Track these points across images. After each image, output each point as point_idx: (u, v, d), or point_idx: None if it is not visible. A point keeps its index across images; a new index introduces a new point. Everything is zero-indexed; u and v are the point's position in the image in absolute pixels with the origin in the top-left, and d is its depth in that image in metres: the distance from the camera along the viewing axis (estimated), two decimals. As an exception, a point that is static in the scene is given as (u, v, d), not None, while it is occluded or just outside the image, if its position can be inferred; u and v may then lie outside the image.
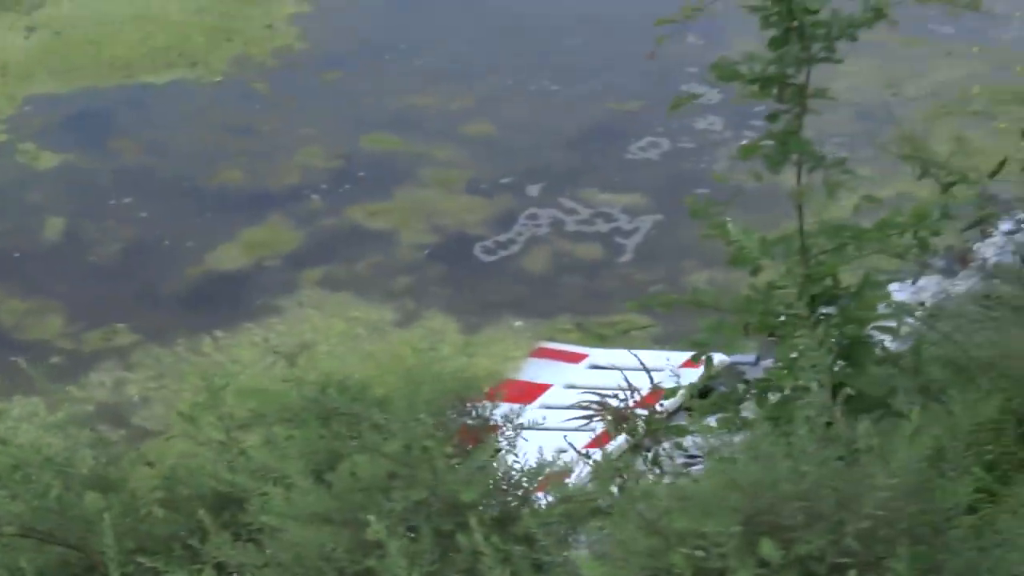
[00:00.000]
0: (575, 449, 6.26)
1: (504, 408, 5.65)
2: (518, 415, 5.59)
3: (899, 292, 12.49)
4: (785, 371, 5.90)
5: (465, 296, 13.74)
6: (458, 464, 4.44)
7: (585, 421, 7.39)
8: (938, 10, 18.19)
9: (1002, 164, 10.48)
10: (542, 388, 12.10)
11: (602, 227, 14.27)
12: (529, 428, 5.51)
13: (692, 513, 3.48)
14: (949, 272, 12.58)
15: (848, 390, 5.91)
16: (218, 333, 13.38)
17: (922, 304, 11.15)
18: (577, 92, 15.45)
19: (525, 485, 4.68)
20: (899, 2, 5.72)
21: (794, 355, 5.85)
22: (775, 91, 5.84)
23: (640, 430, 6.38)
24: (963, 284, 11.66)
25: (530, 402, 11.91)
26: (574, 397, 9.28)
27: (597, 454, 8.03)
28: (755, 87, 5.83)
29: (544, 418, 9.95)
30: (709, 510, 3.49)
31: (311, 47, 17.50)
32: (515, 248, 14.31)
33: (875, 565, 3.47)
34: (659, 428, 6.33)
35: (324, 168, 15.59)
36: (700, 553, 3.45)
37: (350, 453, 4.59)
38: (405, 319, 13.48)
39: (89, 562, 4.92)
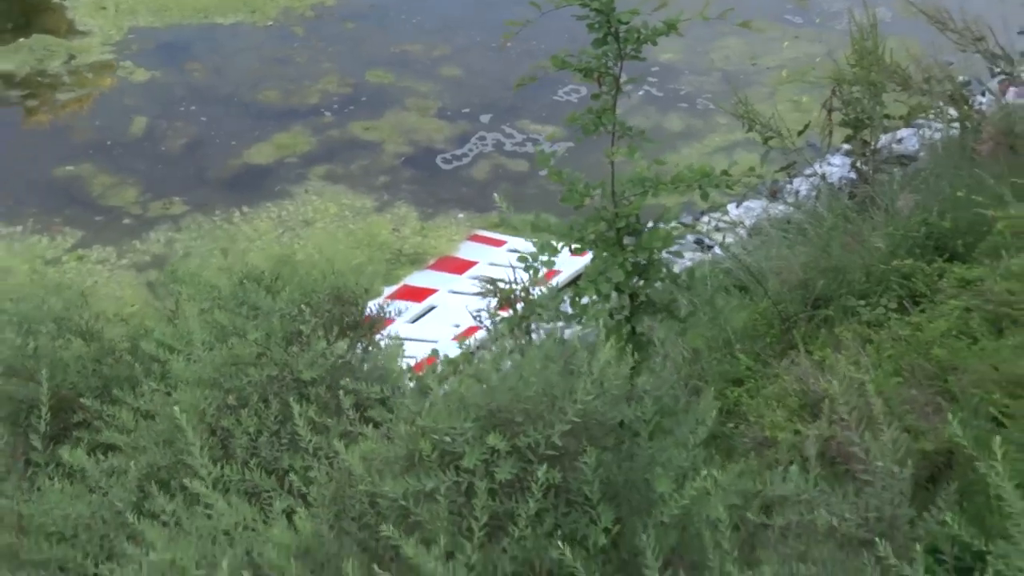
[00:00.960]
0: (474, 318, 6.14)
1: (378, 303, 5.44)
2: (392, 311, 5.43)
3: (734, 210, 12.38)
4: (591, 282, 5.77)
5: (425, 193, 13.65)
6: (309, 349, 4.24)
7: (482, 296, 7.18)
8: (792, 3, 17.92)
9: (806, 126, 10.32)
10: (471, 264, 12.02)
11: (529, 149, 14.18)
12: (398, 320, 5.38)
13: (438, 412, 3.32)
14: (773, 196, 12.42)
15: (641, 298, 5.82)
16: (245, 208, 13.27)
17: (741, 223, 10.98)
18: (524, 49, 15.20)
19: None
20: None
21: (599, 271, 5.76)
22: (596, 78, 5.69)
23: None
24: (777, 209, 11.50)
25: (461, 273, 11.83)
26: (494, 272, 9.20)
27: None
28: (581, 75, 5.70)
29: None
30: (452, 410, 3.33)
31: (338, 5, 17.22)
32: (466, 160, 14.19)
33: (574, 457, 3.31)
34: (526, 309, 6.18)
35: (336, 93, 15.42)
36: (447, 439, 3.30)
37: (236, 333, 4.41)
38: (381, 207, 13.39)
39: (58, 397, 4.74)
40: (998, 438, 2.88)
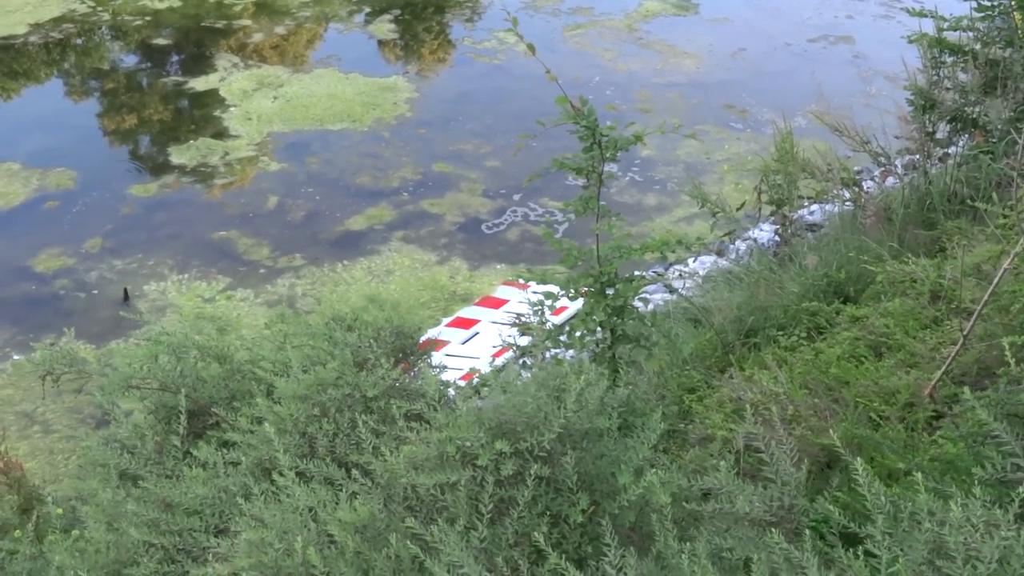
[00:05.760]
0: (508, 344, 6.07)
1: (430, 334, 5.37)
2: (442, 338, 5.35)
3: (692, 263, 12.26)
4: (582, 320, 5.68)
5: (473, 251, 13.53)
6: (375, 374, 4.14)
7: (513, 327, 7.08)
8: (735, 115, 17.68)
9: (743, 203, 10.19)
10: (505, 301, 11.91)
11: (548, 219, 14.05)
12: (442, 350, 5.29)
13: (461, 424, 3.23)
14: (719, 254, 12.28)
15: (618, 332, 5.72)
16: (345, 262, 13.19)
17: (696, 274, 10.86)
18: (545, 147, 15.04)
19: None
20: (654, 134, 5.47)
21: (587, 312, 5.67)
22: (585, 174, 5.61)
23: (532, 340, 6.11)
24: (722, 263, 11.37)
25: (498, 308, 11.73)
26: (521, 308, 9.13)
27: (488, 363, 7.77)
28: (575, 173, 5.62)
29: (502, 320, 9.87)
30: (471, 422, 3.25)
31: (414, 115, 17.13)
32: (503, 227, 14.05)
33: (560, 456, 3.21)
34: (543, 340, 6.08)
35: (411, 179, 15.27)
36: (467, 444, 3.21)
37: (322, 361, 4.33)
38: (442, 261, 13.26)
39: (197, 405, 4.67)
40: (859, 460, 2.75)
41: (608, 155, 5.41)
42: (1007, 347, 3.37)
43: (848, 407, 4.99)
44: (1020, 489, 2.50)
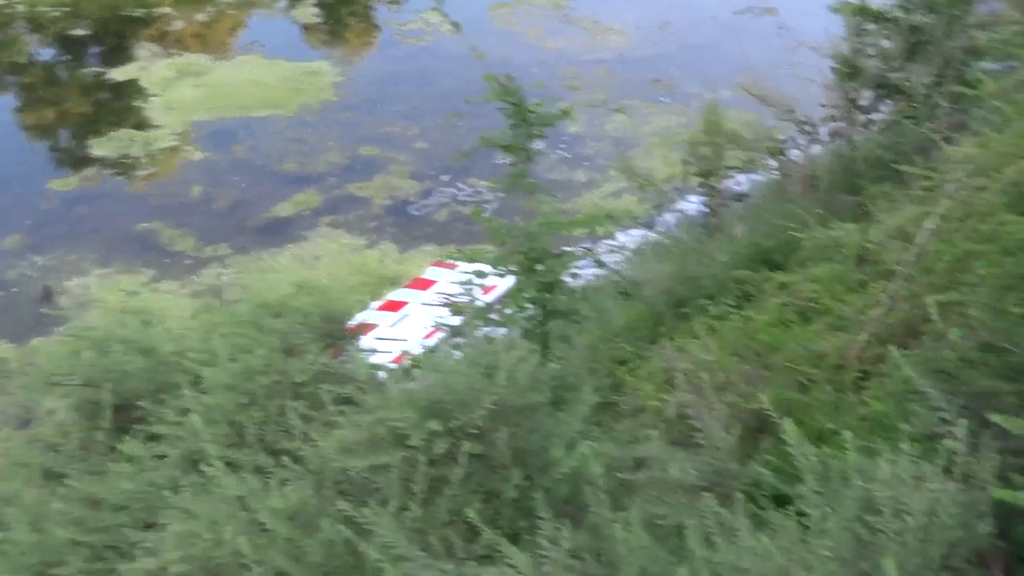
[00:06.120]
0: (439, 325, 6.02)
1: (360, 318, 5.31)
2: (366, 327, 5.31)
3: (622, 237, 12.29)
4: (512, 298, 5.67)
5: (403, 233, 13.51)
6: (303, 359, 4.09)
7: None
8: (663, 89, 17.72)
9: (671, 176, 10.27)
10: (433, 282, 11.85)
11: (476, 198, 14.03)
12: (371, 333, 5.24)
13: (392, 405, 3.21)
14: (648, 227, 12.32)
15: (549, 308, 5.71)
16: (273, 250, 13.09)
17: (626, 247, 10.88)
18: (472, 127, 15.04)
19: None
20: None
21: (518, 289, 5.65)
22: (513, 152, 5.59)
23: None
24: (651, 236, 11.41)
25: (427, 289, 11.67)
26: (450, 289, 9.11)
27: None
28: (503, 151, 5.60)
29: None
30: (402, 402, 3.22)
31: (340, 99, 17.01)
32: (432, 209, 14.05)
33: (492, 432, 3.20)
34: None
35: (338, 163, 15.22)
36: (399, 425, 3.18)
37: (249, 349, 4.26)
38: (370, 244, 13.25)
39: (122, 400, 4.56)
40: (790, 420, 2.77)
41: (535, 132, 5.39)
42: (931, 306, 3.41)
43: (778, 372, 5.04)
44: (945, 442, 2.54)
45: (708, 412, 3.37)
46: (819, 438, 4.00)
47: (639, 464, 3.37)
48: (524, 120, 5.40)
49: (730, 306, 6.60)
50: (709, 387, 3.52)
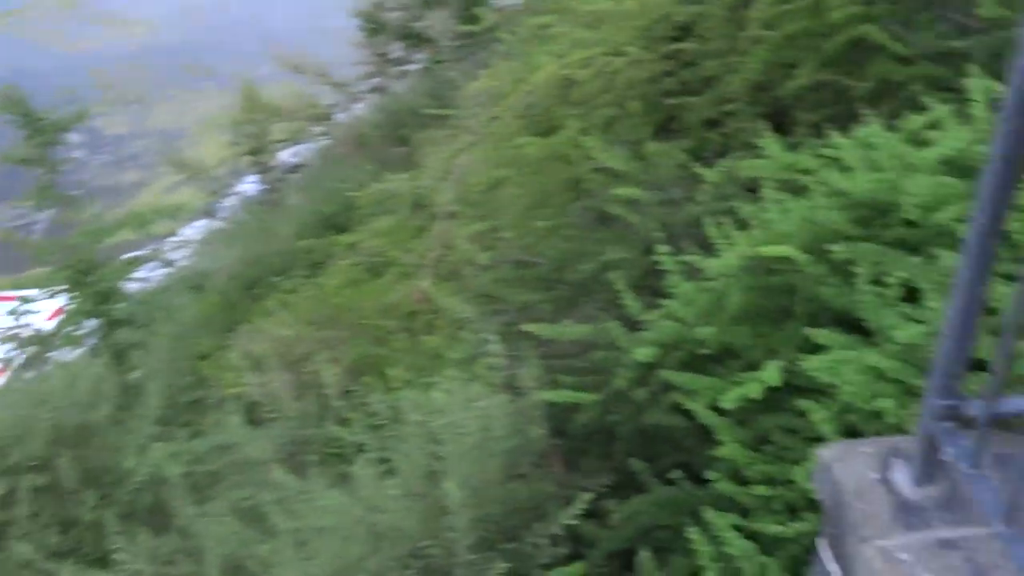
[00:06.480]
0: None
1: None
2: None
3: (186, 231, 11.91)
4: (69, 315, 5.36)
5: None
6: None
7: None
8: (199, 74, 17.28)
9: (220, 162, 10.10)
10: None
11: (24, 219, 12.97)
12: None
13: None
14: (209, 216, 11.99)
15: (111, 318, 5.45)
16: None
17: (192, 241, 10.60)
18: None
19: None
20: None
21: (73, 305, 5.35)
22: (34, 165, 5.24)
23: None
24: (215, 224, 11.13)
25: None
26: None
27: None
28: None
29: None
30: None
31: None
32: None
33: (55, 459, 3.02)
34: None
35: None
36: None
37: None
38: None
39: None
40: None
41: (50, 139, 5.07)
42: (460, 237, 3.60)
43: (356, 330, 5.13)
44: (488, 360, 2.70)
45: (281, 387, 3.38)
46: (409, 383, 4.14)
47: (223, 452, 3.32)
48: (36, 130, 5.07)
49: (302, 277, 6.63)
50: (279, 362, 3.53)
